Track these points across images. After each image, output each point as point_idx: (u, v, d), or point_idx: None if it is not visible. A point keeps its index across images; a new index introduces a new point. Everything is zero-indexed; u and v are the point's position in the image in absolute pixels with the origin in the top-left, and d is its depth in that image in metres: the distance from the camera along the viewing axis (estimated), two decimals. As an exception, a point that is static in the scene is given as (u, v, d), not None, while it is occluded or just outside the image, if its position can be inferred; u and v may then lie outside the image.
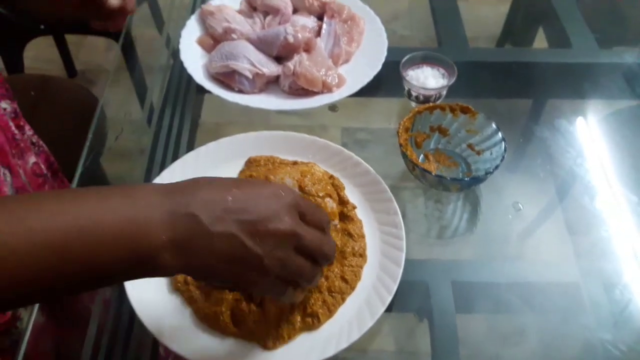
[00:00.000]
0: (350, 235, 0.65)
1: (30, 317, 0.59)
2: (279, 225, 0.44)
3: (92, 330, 0.60)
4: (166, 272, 0.42)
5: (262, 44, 0.84)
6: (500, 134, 0.70)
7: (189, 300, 0.60)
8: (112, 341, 0.60)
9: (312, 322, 0.59)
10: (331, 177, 0.69)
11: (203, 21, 0.91)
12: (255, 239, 0.43)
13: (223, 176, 0.48)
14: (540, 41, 1.04)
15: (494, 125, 0.71)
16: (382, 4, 0.97)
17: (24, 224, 0.37)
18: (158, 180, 0.69)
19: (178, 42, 0.88)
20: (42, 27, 1.48)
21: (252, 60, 0.80)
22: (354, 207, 0.67)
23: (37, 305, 0.60)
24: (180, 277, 0.61)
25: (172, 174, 0.70)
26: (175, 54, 0.90)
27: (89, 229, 0.38)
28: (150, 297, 0.60)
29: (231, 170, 0.71)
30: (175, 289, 0.61)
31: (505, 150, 0.68)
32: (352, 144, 0.79)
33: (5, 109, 0.76)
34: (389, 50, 0.87)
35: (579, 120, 0.84)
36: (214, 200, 0.42)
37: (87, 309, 0.63)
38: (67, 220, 0.38)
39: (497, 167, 0.66)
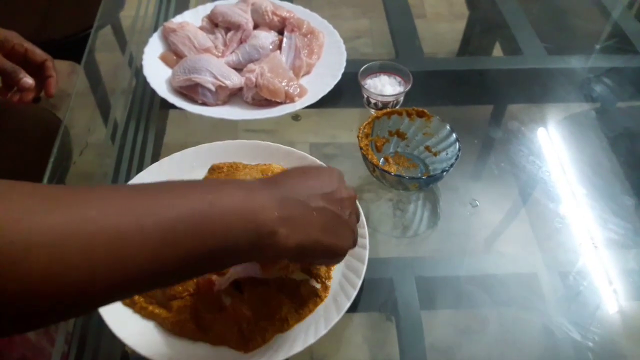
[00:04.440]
0: None
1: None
2: (346, 193, 0.51)
3: (60, 337, 0.60)
4: (281, 249, 0.44)
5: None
6: (454, 135, 0.73)
7: (150, 316, 0.60)
8: (81, 349, 0.60)
9: (283, 325, 0.60)
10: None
11: (165, 38, 0.93)
12: (338, 207, 0.49)
13: None
14: (497, 54, 1.09)
15: (448, 127, 0.74)
16: (344, 24, 1.01)
17: (144, 219, 0.37)
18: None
19: (141, 60, 0.89)
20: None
21: (214, 73, 0.82)
22: None
23: None
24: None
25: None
26: (138, 73, 0.91)
27: (210, 212, 0.40)
28: (119, 307, 0.60)
29: (196, 178, 0.72)
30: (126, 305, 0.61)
31: (459, 149, 0.72)
32: (320, 159, 0.81)
33: None
34: (348, 62, 0.91)
35: (531, 121, 0.88)
36: (301, 184, 0.49)
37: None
38: (188, 207, 0.39)
39: (452, 165, 0.70)
